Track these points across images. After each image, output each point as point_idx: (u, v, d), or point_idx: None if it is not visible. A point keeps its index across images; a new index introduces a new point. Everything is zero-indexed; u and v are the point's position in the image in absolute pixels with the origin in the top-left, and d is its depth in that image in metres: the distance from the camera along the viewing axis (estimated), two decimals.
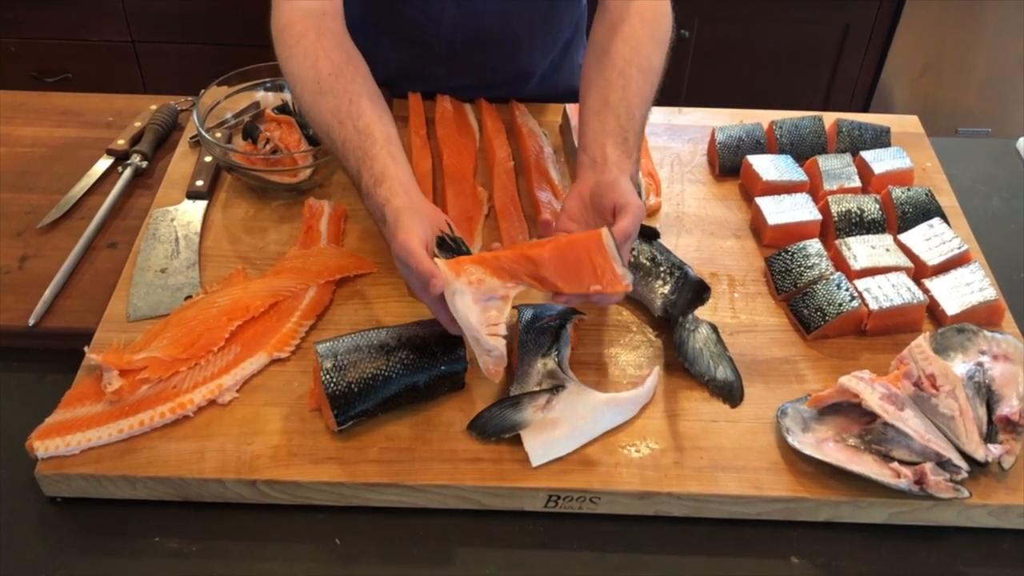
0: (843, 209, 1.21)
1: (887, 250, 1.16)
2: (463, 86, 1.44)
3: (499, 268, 0.95)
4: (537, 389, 0.98)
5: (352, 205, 1.26)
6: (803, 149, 1.34)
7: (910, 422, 0.95)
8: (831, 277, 1.12)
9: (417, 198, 1.03)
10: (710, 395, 1.04)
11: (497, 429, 0.97)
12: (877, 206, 1.22)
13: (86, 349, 1.03)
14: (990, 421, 0.98)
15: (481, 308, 0.93)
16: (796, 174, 1.27)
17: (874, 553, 0.95)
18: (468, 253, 0.98)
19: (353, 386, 0.95)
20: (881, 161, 1.29)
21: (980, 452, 0.95)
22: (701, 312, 1.10)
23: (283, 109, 1.35)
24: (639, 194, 1.05)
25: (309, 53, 1.08)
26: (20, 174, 1.32)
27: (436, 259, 0.94)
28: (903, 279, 1.12)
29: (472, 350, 0.94)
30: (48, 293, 1.13)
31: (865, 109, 2.67)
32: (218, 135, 1.30)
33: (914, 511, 0.95)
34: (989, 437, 0.97)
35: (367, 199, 1.03)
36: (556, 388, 0.99)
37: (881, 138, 1.35)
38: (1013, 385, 1.00)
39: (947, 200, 1.28)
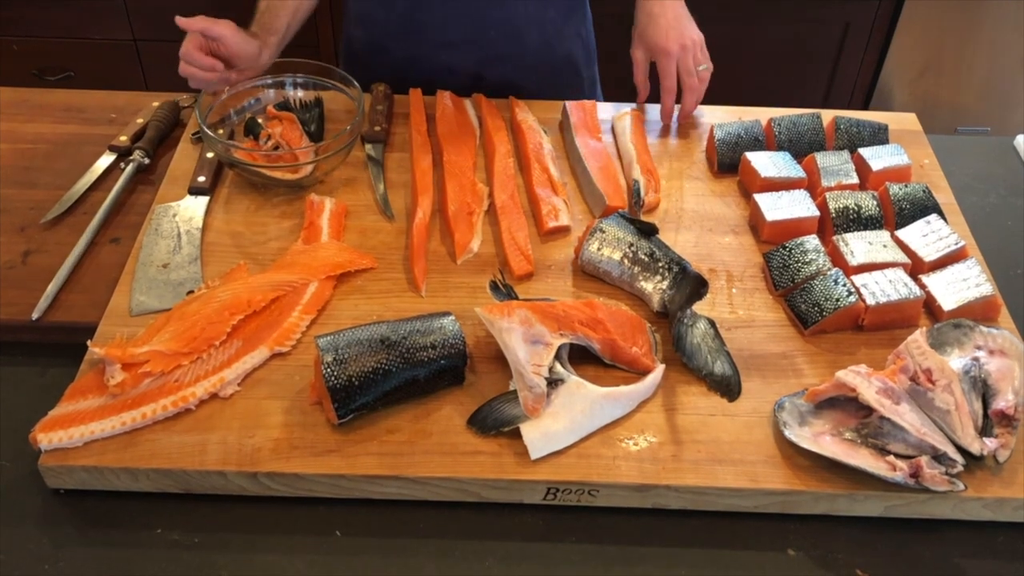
0: (841, 205, 1.22)
1: (884, 246, 1.17)
2: (459, 40, 1.45)
3: (550, 316, 1.02)
4: None
5: (353, 201, 1.27)
6: (801, 146, 1.34)
7: (906, 416, 0.96)
8: (828, 273, 1.13)
9: (257, 26, 1.32)
10: (708, 389, 1.05)
11: (497, 423, 0.98)
12: (875, 202, 1.23)
13: (89, 343, 1.03)
14: (986, 415, 0.99)
15: (529, 348, 0.99)
16: (794, 171, 1.28)
17: (870, 546, 0.96)
18: (516, 298, 1.09)
19: (354, 380, 0.96)
20: (879, 158, 1.30)
21: (976, 446, 0.96)
22: (699, 307, 1.11)
23: (284, 106, 1.36)
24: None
25: None
26: (23, 170, 1.33)
27: (478, 309, 1.02)
28: (900, 275, 1.12)
29: (516, 382, 0.99)
30: (51, 288, 1.14)
31: (864, 108, 2.68)
32: (220, 131, 1.31)
33: (910, 504, 0.96)
34: (984, 431, 0.98)
35: None
36: (555, 382, 1.00)
37: (879, 135, 1.36)
38: (1009, 380, 1.00)
39: (944, 197, 1.29)
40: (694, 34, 1.39)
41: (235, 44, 1.28)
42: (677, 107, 1.43)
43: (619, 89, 1.59)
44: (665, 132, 1.43)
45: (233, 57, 1.29)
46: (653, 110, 1.46)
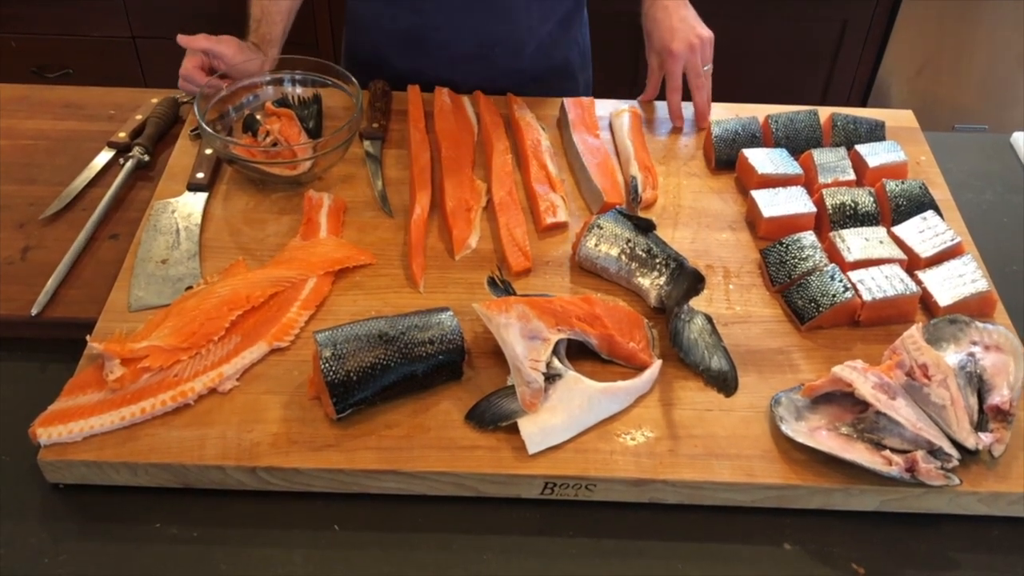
0: (837, 202, 1.23)
1: (881, 242, 1.17)
2: (461, 55, 1.46)
3: (547, 311, 1.02)
4: None
5: (351, 198, 1.27)
6: (798, 143, 1.35)
7: (902, 411, 0.97)
8: (825, 269, 1.13)
9: (256, 37, 1.36)
10: (705, 384, 1.05)
11: (494, 418, 0.98)
12: (871, 199, 1.23)
13: (88, 338, 1.04)
14: (981, 410, 1.00)
15: (526, 343, 0.99)
16: (791, 167, 1.29)
17: (866, 540, 0.96)
18: (514, 294, 1.09)
19: (352, 375, 0.97)
20: (875, 155, 1.30)
21: (971, 440, 0.96)
22: (696, 303, 1.12)
23: (283, 102, 1.36)
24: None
25: None
26: (23, 166, 1.33)
27: (476, 305, 1.03)
28: (896, 271, 1.13)
29: (514, 378, 1.00)
30: (51, 283, 1.14)
31: (862, 106, 2.68)
32: (219, 128, 1.31)
33: (905, 498, 0.96)
34: (980, 426, 0.99)
35: None
36: (553, 377, 1.00)
37: (876, 132, 1.36)
38: (1004, 375, 1.01)
39: (941, 193, 1.30)
40: (702, 32, 1.39)
41: (237, 62, 1.31)
42: (688, 107, 1.43)
43: (619, 87, 1.60)
44: (662, 129, 1.43)
45: (234, 72, 1.32)
46: (658, 108, 1.46)
